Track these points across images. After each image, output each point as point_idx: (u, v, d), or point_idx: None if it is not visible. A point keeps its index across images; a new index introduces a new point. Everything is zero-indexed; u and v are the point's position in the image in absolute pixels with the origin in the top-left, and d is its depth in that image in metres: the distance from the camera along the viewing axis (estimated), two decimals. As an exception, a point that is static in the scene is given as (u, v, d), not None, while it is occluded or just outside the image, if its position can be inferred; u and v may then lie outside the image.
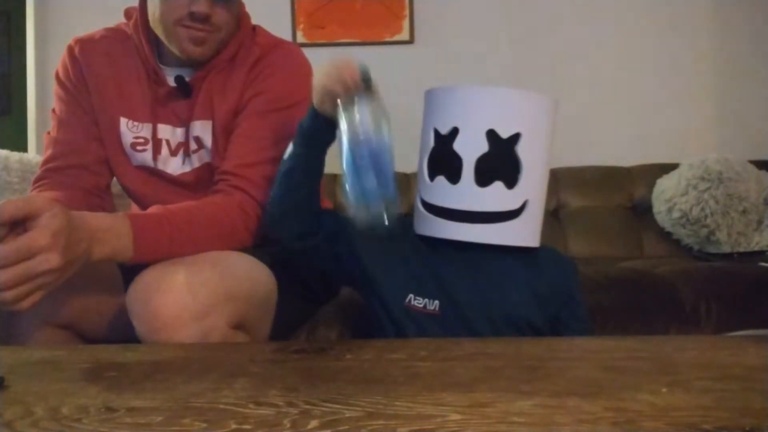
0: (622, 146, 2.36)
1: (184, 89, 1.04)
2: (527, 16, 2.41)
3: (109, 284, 0.96)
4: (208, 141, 1.05)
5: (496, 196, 0.84)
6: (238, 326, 0.87)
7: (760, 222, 2.02)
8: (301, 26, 2.41)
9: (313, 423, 0.48)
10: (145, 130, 1.06)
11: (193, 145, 1.06)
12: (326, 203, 1.30)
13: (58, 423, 0.49)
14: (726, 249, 1.98)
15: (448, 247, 0.87)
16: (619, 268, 1.63)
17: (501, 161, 0.84)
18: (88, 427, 0.49)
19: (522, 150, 0.84)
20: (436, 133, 0.87)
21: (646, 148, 2.35)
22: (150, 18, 1.01)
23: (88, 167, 1.07)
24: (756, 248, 1.98)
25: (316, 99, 0.86)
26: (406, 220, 0.96)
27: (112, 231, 0.79)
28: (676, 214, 2.02)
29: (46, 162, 1.06)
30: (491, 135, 0.82)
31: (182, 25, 0.97)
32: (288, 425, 0.48)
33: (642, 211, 2.16)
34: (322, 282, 1.19)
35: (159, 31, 1.01)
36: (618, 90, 2.41)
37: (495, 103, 0.84)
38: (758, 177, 2.05)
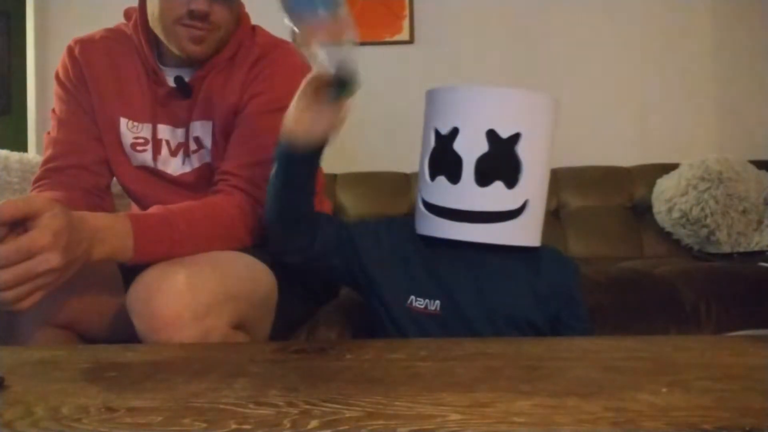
0: (622, 146, 2.36)
1: (183, 90, 1.04)
2: (527, 16, 2.41)
3: (109, 284, 0.96)
4: (207, 141, 1.05)
5: (496, 196, 0.84)
6: (238, 326, 0.87)
7: (760, 222, 2.02)
8: (301, 26, 2.41)
9: (313, 423, 0.48)
10: (145, 131, 1.06)
11: (192, 146, 1.06)
12: (326, 203, 1.30)
13: (58, 423, 0.49)
14: (726, 249, 1.98)
15: (449, 247, 0.87)
16: (619, 268, 1.63)
17: (501, 161, 0.84)
18: (88, 427, 0.48)
19: (522, 150, 0.84)
20: (437, 133, 0.87)
21: (646, 148, 2.35)
22: (149, 17, 1.01)
23: (88, 167, 1.07)
24: (756, 248, 1.98)
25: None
26: (406, 220, 0.96)
27: (112, 231, 0.79)
28: (676, 214, 2.02)
29: (46, 162, 1.06)
30: (491, 135, 0.82)
31: (181, 23, 0.97)
32: (288, 425, 0.48)
33: (642, 210, 2.16)
34: (322, 282, 1.19)
35: (158, 31, 1.01)
36: (618, 90, 2.41)
37: (495, 103, 0.84)
38: (758, 177, 2.05)
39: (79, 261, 0.72)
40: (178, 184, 1.08)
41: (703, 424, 0.47)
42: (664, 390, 0.55)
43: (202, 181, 1.07)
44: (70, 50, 1.08)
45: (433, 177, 0.87)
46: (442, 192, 0.86)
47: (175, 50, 1.01)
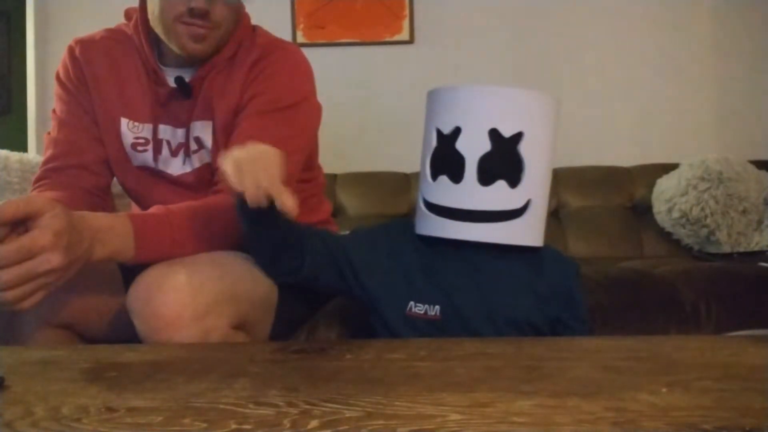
0: (622, 146, 2.36)
1: (184, 90, 1.04)
2: (527, 16, 2.41)
3: (109, 284, 0.96)
4: (208, 141, 1.05)
5: (498, 196, 0.83)
6: (239, 326, 0.87)
7: (760, 222, 2.02)
8: (301, 26, 2.41)
9: (313, 423, 0.48)
10: (145, 131, 1.06)
11: (193, 146, 1.06)
12: (326, 204, 1.30)
13: (58, 423, 0.49)
14: (726, 249, 1.98)
15: (450, 247, 0.87)
16: (619, 268, 1.63)
17: (503, 160, 0.83)
18: (88, 427, 0.49)
19: (524, 149, 0.84)
20: (439, 132, 0.87)
21: (646, 148, 2.35)
22: (150, 16, 1.01)
23: (89, 167, 1.07)
24: (756, 248, 1.98)
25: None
26: (404, 222, 0.96)
27: (113, 231, 0.79)
28: (676, 214, 2.02)
29: (46, 162, 1.06)
30: (493, 134, 0.82)
31: (182, 21, 0.97)
32: (288, 425, 0.48)
33: (642, 210, 2.16)
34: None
35: (159, 30, 1.01)
36: (618, 90, 2.41)
37: (497, 102, 0.84)
38: (758, 177, 2.05)
39: (79, 261, 0.72)
40: (178, 185, 1.08)
41: (703, 424, 0.47)
42: (664, 390, 0.55)
43: (203, 181, 1.07)
44: (71, 50, 1.08)
45: (434, 176, 0.87)
46: (444, 191, 0.86)
47: (175, 49, 1.01)
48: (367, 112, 2.40)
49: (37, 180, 1.06)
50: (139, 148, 1.07)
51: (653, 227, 2.12)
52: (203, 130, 1.05)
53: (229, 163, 0.74)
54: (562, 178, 2.20)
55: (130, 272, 0.86)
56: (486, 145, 0.82)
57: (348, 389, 0.56)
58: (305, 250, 0.88)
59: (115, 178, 1.12)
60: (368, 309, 0.92)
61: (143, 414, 0.51)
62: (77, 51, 1.07)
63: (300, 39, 2.39)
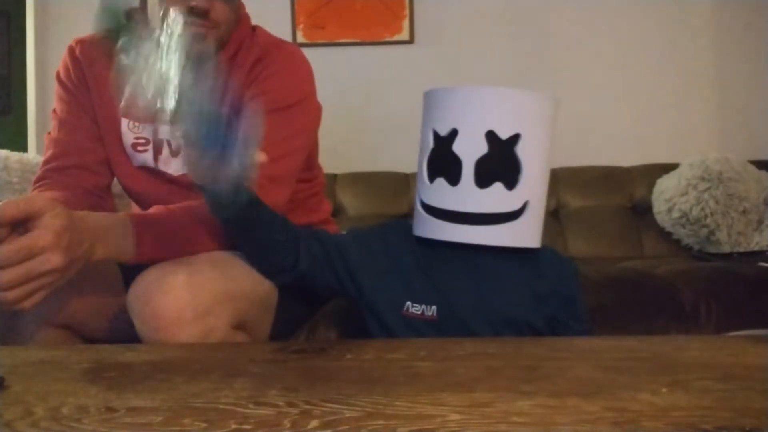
0: (622, 146, 2.36)
1: (184, 89, 1.04)
2: (527, 17, 2.41)
3: (109, 284, 0.96)
4: (208, 141, 1.05)
5: (496, 198, 0.83)
6: (239, 326, 0.87)
7: (760, 222, 2.02)
8: (301, 26, 2.41)
9: (313, 423, 0.48)
10: (146, 131, 1.06)
11: (193, 146, 1.06)
12: (326, 204, 1.30)
13: (58, 423, 0.49)
14: (726, 249, 1.98)
15: (447, 249, 0.87)
16: (619, 268, 1.63)
17: (501, 162, 0.83)
18: (88, 427, 0.49)
19: (522, 151, 0.83)
20: (435, 134, 0.86)
21: (646, 148, 2.35)
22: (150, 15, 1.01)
23: (89, 167, 1.07)
24: (756, 248, 1.98)
25: None
26: (402, 223, 0.96)
27: (113, 231, 0.79)
28: (676, 214, 2.02)
29: (46, 162, 1.06)
30: (490, 136, 0.82)
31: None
32: (288, 425, 0.48)
33: (642, 210, 2.16)
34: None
35: (159, 30, 1.01)
36: (618, 90, 2.41)
37: (493, 103, 0.83)
38: (758, 177, 2.05)
39: (80, 261, 0.72)
40: (178, 185, 1.08)
41: (703, 424, 0.47)
42: (664, 390, 0.55)
43: (203, 181, 1.06)
44: (71, 50, 1.08)
45: (431, 179, 0.87)
46: (441, 194, 0.85)
47: (175, 49, 1.01)
48: (367, 112, 2.40)
49: (38, 180, 1.06)
50: (140, 148, 1.07)
51: (653, 227, 2.12)
52: (203, 130, 1.05)
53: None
54: (561, 178, 2.20)
55: (130, 272, 0.86)
56: (483, 148, 0.82)
57: (348, 389, 0.56)
58: (298, 249, 0.88)
59: (115, 178, 1.12)
60: (365, 310, 0.91)
61: (143, 414, 0.51)
62: (78, 51, 1.07)
63: (300, 39, 2.39)
